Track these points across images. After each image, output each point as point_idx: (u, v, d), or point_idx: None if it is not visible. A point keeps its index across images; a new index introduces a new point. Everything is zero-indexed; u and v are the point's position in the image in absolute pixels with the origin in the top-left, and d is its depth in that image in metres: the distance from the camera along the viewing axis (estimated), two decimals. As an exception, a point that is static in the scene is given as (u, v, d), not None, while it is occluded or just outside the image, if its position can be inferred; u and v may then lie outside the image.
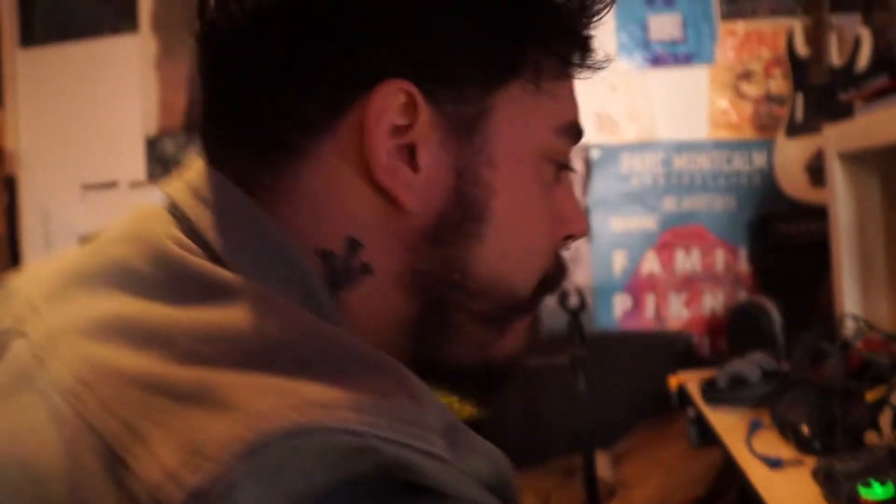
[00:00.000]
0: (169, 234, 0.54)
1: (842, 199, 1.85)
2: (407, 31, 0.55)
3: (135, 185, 3.04)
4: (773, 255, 2.69)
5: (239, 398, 0.42)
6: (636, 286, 2.83)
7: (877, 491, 1.02)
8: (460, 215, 0.57)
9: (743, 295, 2.76)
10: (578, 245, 2.75)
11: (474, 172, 0.57)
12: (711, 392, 1.66)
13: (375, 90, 0.54)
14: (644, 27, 2.83)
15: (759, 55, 2.82)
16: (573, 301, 1.88)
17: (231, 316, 0.48)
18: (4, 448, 0.49)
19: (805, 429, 1.30)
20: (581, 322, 1.88)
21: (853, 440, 1.22)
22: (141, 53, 3.03)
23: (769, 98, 2.81)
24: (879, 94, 1.70)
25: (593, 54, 0.62)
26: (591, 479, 1.86)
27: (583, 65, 0.62)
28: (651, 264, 2.84)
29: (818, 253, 2.01)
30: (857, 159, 1.82)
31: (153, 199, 0.59)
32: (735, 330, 2.30)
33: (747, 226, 2.81)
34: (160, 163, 3.03)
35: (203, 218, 0.55)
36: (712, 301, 2.82)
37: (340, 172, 0.55)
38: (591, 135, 2.81)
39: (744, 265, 2.82)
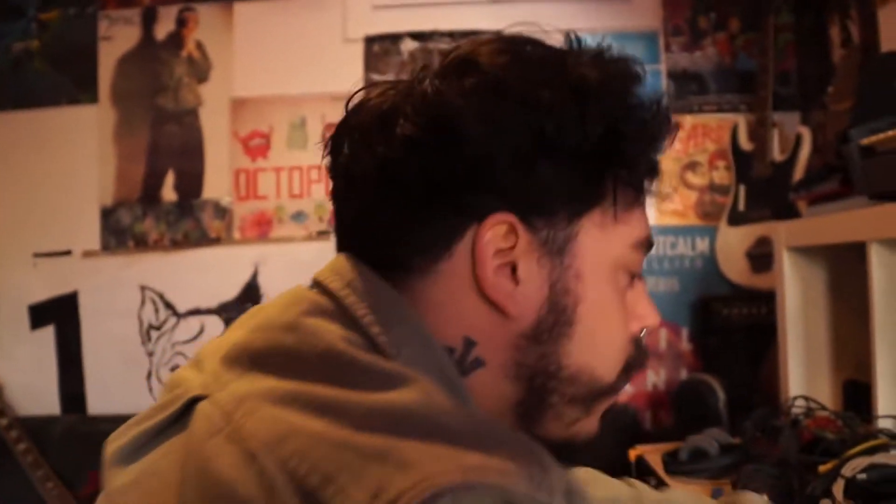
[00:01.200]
0: (339, 335, 0.65)
1: (789, 287, 1.99)
2: (509, 176, 0.69)
3: (88, 254, 3.07)
4: (713, 336, 2.81)
5: (416, 460, 0.53)
6: (584, 362, 2.92)
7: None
8: (554, 319, 0.71)
9: (684, 373, 2.88)
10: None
11: (564, 284, 0.71)
12: (674, 464, 1.76)
13: (485, 222, 0.69)
14: (599, 119, 2.95)
15: (705, 147, 2.97)
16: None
17: (395, 398, 0.58)
18: (204, 472, 0.58)
19: (766, 498, 1.40)
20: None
21: (811, 507, 1.32)
22: (99, 124, 3.07)
23: (713, 188, 2.96)
24: (828, 198, 1.85)
25: (659, 180, 0.76)
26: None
27: (651, 190, 0.76)
28: (599, 342, 2.93)
29: (757, 334, 2.13)
30: (804, 252, 1.97)
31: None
32: (681, 404, 2.41)
33: (690, 307, 2.94)
34: (115, 233, 3.07)
35: (365, 314, 0.67)
36: (655, 378, 2.95)
37: (457, 286, 0.70)
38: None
39: (685, 344, 2.95)
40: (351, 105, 0.75)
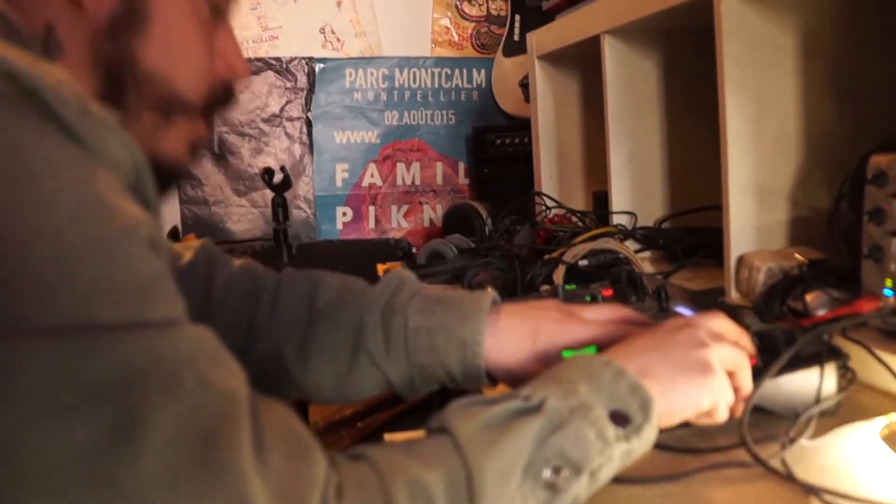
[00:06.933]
0: None
1: (542, 98, 1.98)
2: None
3: None
4: (488, 166, 2.78)
5: None
6: (357, 198, 2.88)
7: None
8: (127, 19, 0.77)
9: (461, 206, 2.86)
10: (302, 156, 2.78)
11: None
12: (412, 269, 1.72)
13: None
14: (369, -56, 2.85)
15: (481, -23, 2.91)
16: (277, 177, 1.92)
17: None
18: None
19: (489, 288, 1.37)
20: (286, 199, 1.94)
21: (531, 292, 1.29)
22: None
23: (489, 18, 2.92)
24: (570, 3, 1.81)
25: None
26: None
27: None
28: (372, 177, 2.89)
29: (528, 162, 2.10)
30: (554, 60, 1.94)
31: None
32: (449, 228, 2.38)
33: (465, 140, 2.92)
34: None
35: None
36: (432, 214, 2.93)
37: None
38: (316, 49, 2.82)
39: (462, 178, 2.94)
40: None
